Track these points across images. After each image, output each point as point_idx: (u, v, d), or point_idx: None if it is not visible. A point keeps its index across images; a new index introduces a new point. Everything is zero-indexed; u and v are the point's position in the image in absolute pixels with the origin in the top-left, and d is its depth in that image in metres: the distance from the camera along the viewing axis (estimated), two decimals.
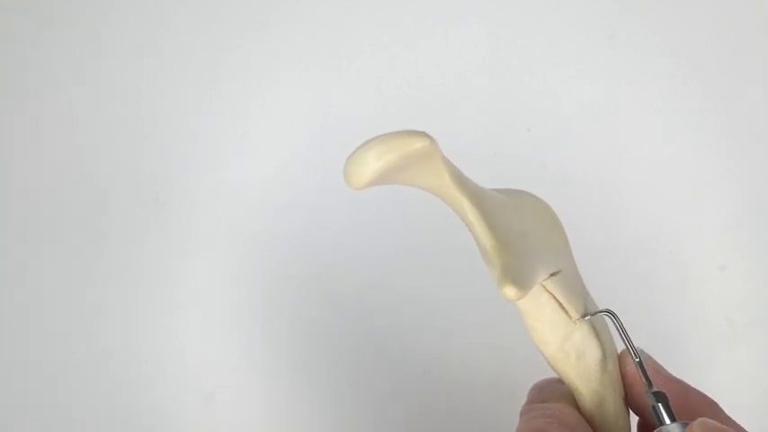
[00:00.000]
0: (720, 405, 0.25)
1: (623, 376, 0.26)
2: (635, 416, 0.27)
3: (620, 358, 0.26)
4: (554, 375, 0.26)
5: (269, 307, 0.45)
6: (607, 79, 0.46)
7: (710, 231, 0.44)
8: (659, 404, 0.23)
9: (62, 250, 0.45)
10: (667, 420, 0.23)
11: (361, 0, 0.47)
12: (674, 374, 0.26)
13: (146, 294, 0.45)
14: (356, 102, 0.46)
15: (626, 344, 0.25)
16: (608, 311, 0.25)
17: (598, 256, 0.43)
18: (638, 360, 0.24)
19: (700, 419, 0.21)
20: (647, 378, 0.24)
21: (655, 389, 0.24)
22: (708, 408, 0.25)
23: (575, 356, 0.24)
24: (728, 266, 0.43)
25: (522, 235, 0.23)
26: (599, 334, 0.25)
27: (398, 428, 0.43)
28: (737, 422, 0.24)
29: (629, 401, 0.26)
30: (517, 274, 0.20)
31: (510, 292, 0.19)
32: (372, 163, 0.19)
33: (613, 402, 0.25)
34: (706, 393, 0.26)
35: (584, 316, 0.24)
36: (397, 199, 0.44)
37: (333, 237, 0.45)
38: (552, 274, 0.24)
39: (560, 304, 0.24)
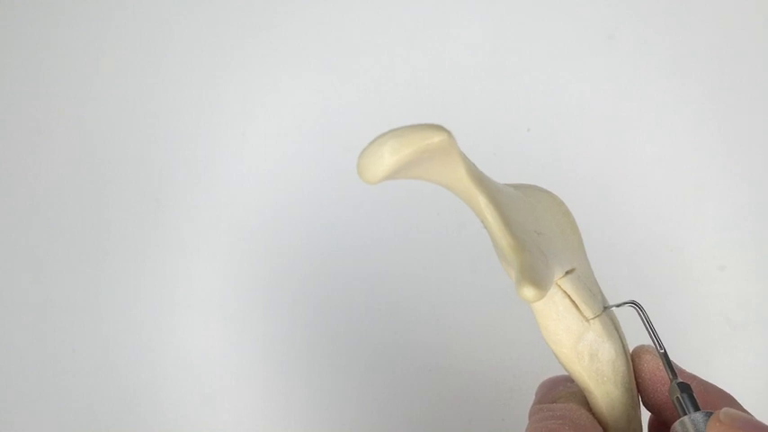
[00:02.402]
0: None
1: (637, 375, 0.25)
2: (645, 414, 0.26)
3: (635, 356, 0.25)
4: (563, 372, 0.26)
5: (269, 307, 0.45)
6: (607, 79, 0.46)
7: (710, 231, 0.44)
8: (684, 394, 0.23)
9: (62, 250, 0.45)
10: (691, 410, 0.23)
11: (361, 0, 0.47)
12: None
13: (146, 294, 0.45)
14: (356, 102, 0.46)
15: (651, 335, 0.24)
16: (633, 303, 0.25)
17: (598, 255, 0.43)
18: (662, 351, 0.24)
19: (725, 409, 0.21)
20: (671, 369, 0.24)
21: (679, 380, 0.23)
22: (727, 402, 0.25)
23: (588, 356, 0.24)
24: (728, 266, 0.43)
25: (537, 232, 0.22)
26: (612, 333, 0.24)
27: (400, 428, 0.43)
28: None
29: (643, 400, 0.26)
30: (535, 275, 0.19)
31: (529, 293, 0.19)
32: (388, 157, 0.18)
33: (626, 403, 0.25)
34: (722, 388, 0.26)
35: (606, 307, 0.24)
36: (398, 198, 0.44)
37: (333, 237, 0.45)
38: (567, 272, 0.23)
39: (574, 303, 0.23)
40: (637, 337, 0.26)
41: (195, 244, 0.45)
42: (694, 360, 0.43)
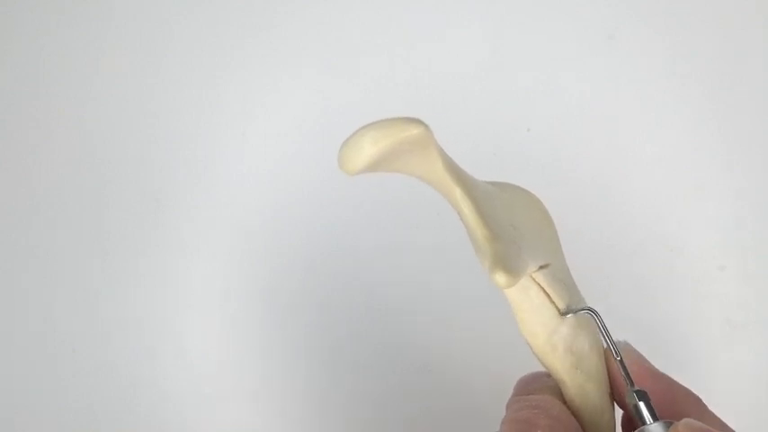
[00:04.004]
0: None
1: (609, 370, 0.26)
2: (619, 410, 0.27)
3: (606, 352, 0.26)
4: (541, 370, 0.26)
5: (269, 307, 0.45)
6: (607, 79, 0.46)
7: (710, 231, 0.44)
8: (641, 403, 0.23)
9: (62, 251, 0.45)
10: (649, 419, 0.23)
11: (361, 0, 0.47)
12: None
13: (146, 294, 0.45)
14: (356, 102, 0.46)
15: (607, 342, 0.25)
16: (589, 310, 0.25)
17: (598, 255, 0.43)
18: (618, 359, 0.24)
19: (685, 420, 0.21)
20: (628, 376, 0.24)
21: (636, 387, 0.23)
22: (692, 404, 0.25)
23: (562, 349, 0.24)
24: (728, 266, 0.43)
25: (513, 226, 0.23)
26: (586, 328, 0.25)
27: (399, 428, 0.43)
28: (723, 421, 0.24)
29: (615, 396, 0.26)
30: (508, 262, 0.20)
31: (501, 278, 0.20)
32: (368, 148, 0.19)
33: (598, 396, 0.25)
34: (691, 389, 0.26)
35: (566, 313, 0.24)
36: (398, 198, 0.44)
37: (333, 237, 0.45)
38: (542, 267, 0.24)
39: (549, 297, 0.24)
40: (621, 333, 0.26)
41: (195, 244, 0.45)
42: (694, 360, 0.43)
